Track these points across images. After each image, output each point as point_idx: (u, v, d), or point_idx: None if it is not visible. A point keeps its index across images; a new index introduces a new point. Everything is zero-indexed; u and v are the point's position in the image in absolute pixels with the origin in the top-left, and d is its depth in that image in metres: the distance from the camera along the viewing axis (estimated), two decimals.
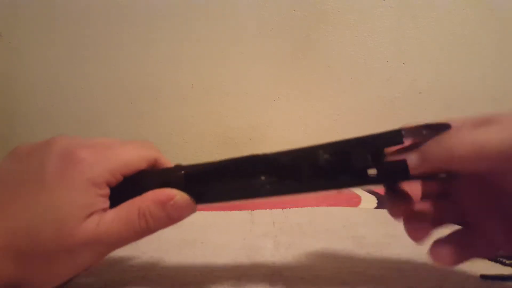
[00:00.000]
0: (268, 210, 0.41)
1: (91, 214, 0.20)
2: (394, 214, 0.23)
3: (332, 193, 0.22)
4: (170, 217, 0.21)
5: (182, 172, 0.22)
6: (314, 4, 0.69)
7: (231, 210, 0.42)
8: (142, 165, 0.22)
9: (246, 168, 0.22)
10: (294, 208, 0.42)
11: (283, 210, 0.42)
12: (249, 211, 0.41)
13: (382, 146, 0.20)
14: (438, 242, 0.21)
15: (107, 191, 0.21)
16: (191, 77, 0.71)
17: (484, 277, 0.24)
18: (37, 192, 0.19)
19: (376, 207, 0.44)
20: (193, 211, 0.22)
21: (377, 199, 0.47)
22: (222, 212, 0.41)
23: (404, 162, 0.19)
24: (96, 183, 0.20)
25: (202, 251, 0.30)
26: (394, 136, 0.20)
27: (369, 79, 0.71)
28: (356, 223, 0.36)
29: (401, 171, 0.19)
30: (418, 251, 0.28)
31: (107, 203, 0.21)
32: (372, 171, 0.20)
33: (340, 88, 0.71)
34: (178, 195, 0.21)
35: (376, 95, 0.71)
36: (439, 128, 0.19)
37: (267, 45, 0.70)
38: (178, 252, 0.30)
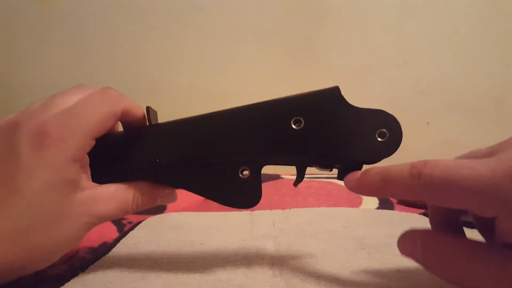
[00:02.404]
0: (268, 210, 0.41)
1: (79, 186, 0.21)
2: None
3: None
4: (156, 204, 0.25)
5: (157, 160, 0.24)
6: (314, 3, 0.68)
7: (230, 211, 0.41)
8: (111, 122, 0.23)
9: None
10: (295, 208, 0.42)
11: (283, 210, 0.41)
12: (249, 211, 0.41)
13: None
14: (407, 233, 0.21)
15: (87, 160, 0.22)
16: (191, 77, 0.71)
17: None
18: (18, 178, 0.20)
19: (378, 208, 0.44)
20: (174, 200, 0.26)
21: (378, 200, 0.47)
22: (221, 213, 0.41)
23: None
24: (76, 159, 0.21)
25: (201, 252, 0.29)
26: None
27: (370, 78, 0.70)
28: (357, 224, 0.36)
29: None
30: None
31: (89, 171, 0.23)
32: None
33: (342, 87, 0.70)
34: (168, 190, 0.25)
35: (378, 94, 0.71)
36: None
37: (267, 45, 0.70)
38: (177, 253, 0.29)
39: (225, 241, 0.32)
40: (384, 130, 0.22)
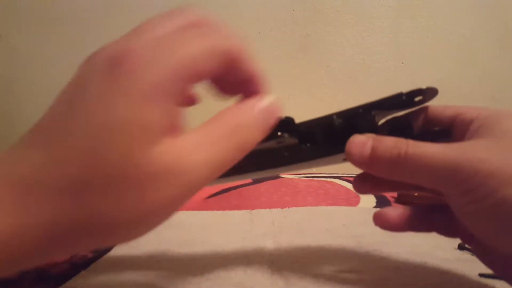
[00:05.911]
0: (267, 209, 0.41)
1: (160, 136, 0.15)
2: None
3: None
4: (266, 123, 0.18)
5: None
6: (313, 4, 0.69)
7: (230, 210, 0.42)
8: (210, 63, 0.16)
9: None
10: (294, 207, 0.42)
11: (283, 209, 0.42)
12: (249, 210, 0.41)
13: (387, 109, 0.23)
14: (384, 209, 0.23)
15: (178, 113, 0.16)
16: None
17: (482, 275, 0.24)
18: (72, 116, 0.15)
19: (375, 207, 0.44)
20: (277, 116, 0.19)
21: (376, 198, 0.47)
22: (221, 212, 0.41)
23: (406, 117, 0.22)
24: (157, 98, 0.14)
25: (202, 251, 0.30)
26: (396, 99, 0.22)
27: (368, 79, 0.71)
28: (356, 223, 0.36)
29: (405, 128, 0.22)
30: (417, 251, 0.29)
31: (178, 118, 0.16)
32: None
33: (339, 88, 0.71)
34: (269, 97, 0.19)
35: (375, 95, 0.71)
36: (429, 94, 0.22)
37: (266, 45, 0.70)
38: (178, 252, 0.30)
39: (225, 239, 0.32)
40: None
